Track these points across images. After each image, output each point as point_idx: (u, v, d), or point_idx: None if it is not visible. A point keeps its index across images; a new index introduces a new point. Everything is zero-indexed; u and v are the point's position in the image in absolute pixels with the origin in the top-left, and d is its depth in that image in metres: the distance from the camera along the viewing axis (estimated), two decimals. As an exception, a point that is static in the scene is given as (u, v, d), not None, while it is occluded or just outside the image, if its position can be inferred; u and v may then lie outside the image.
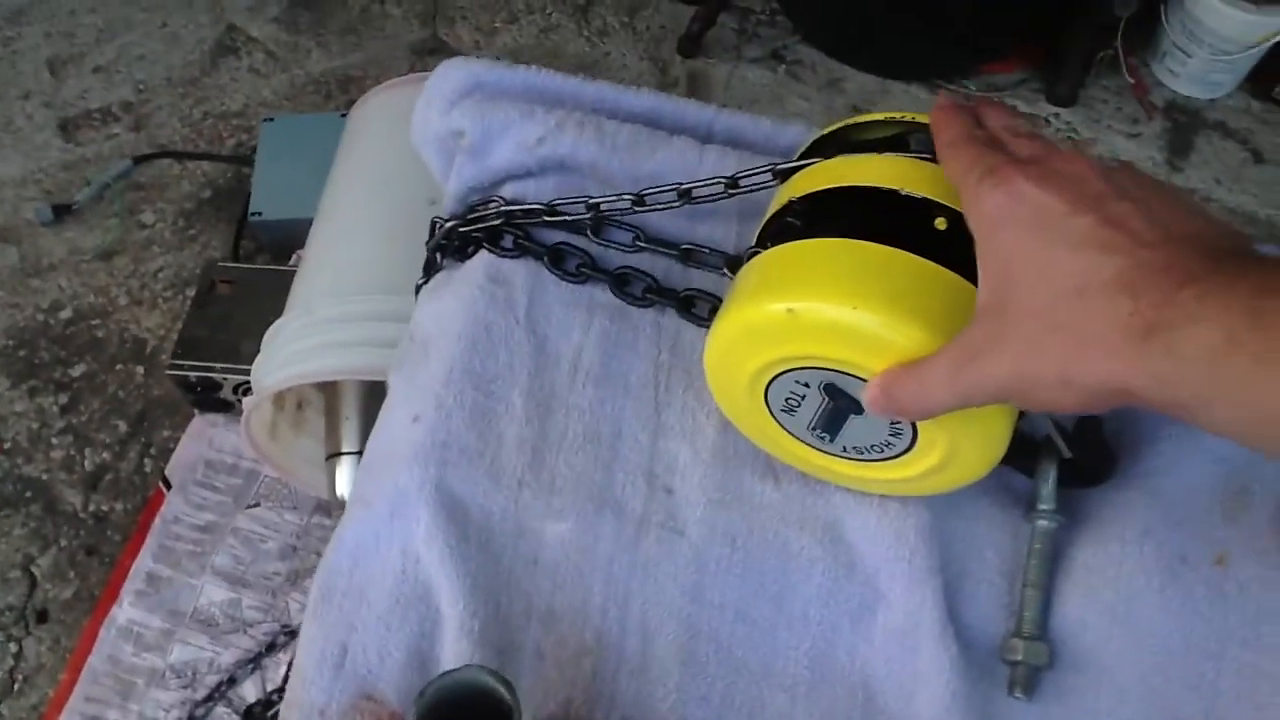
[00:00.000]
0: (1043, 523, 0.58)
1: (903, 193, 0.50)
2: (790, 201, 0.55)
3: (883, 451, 0.55)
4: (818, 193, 0.53)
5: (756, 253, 0.54)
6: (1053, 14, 1.74)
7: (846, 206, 0.52)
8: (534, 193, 0.66)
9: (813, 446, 0.57)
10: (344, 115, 1.28)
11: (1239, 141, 1.78)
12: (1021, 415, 0.53)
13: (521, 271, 0.64)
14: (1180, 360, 0.39)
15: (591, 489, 0.60)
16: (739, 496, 0.60)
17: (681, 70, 1.82)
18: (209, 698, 1.15)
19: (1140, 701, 0.57)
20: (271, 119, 1.57)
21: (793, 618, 0.59)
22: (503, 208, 0.65)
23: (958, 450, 0.52)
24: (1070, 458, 0.57)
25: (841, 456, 0.57)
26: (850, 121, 0.56)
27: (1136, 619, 0.58)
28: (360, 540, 0.59)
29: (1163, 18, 1.77)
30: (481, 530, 0.59)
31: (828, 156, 0.55)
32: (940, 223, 0.49)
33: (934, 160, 0.50)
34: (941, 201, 0.50)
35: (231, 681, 1.16)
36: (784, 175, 0.58)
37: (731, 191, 0.61)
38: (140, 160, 1.67)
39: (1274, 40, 1.67)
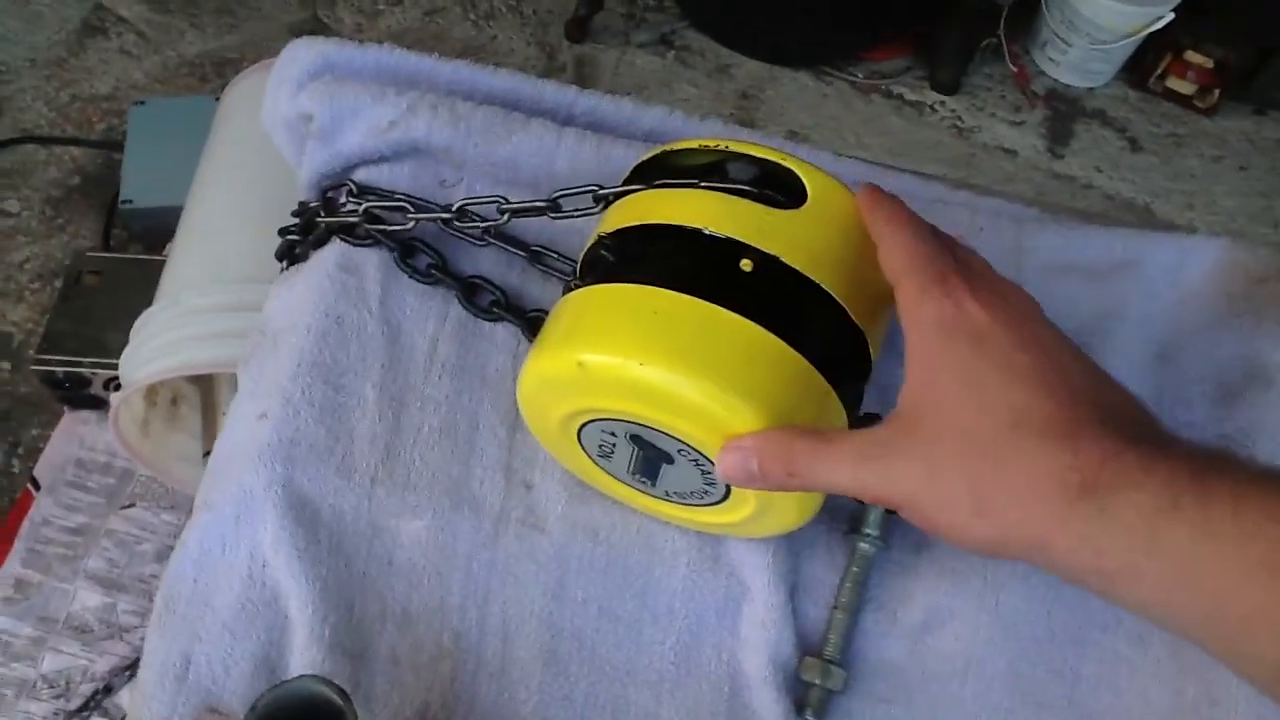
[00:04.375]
0: (864, 545, 0.58)
1: (707, 232, 0.49)
2: (601, 236, 0.54)
3: (702, 498, 0.54)
4: (627, 228, 0.52)
5: (572, 287, 0.53)
6: (935, 1, 1.77)
7: (653, 247, 0.51)
8: (388, 179, 0.64)
9: (636, 490, 0.56)
10: (218, 99, 1.24)
11: (1117, 130, 1.82)
12: None
13: (374, 260, 0.62)
14: (1115, 524, 0.37)
15: (448, 484, 0.58)
16: (601, 492, 0.59)
17: (569, 55, 1.80)
18: (84, 707, 1.09)
19: (1006, 689, 0.57)
20: (142, 102, 1.51)
21: (658, 613, 0.58)
22: (375, 200, 0.62)
23: (770, 502, 0.51)
24: None
25: (665, 500, 0.56)
26: (669, 148, 0.55)
27: (1004, 607, 0.58)
28: (205, 546, 0.56)
29: (1043, 6, 1.81)
30: (333, 531, 0.57)
31: (648, 182, 0.54)
32: (746, 264, 0.48)
33: (747, 193, 0.50)
34: (746, 242, 0.49)
35: (108, 690, 1.11)
36: (604, 200, 0.56)
37: (553, 215, 0.59)
38: (2, 145, 1.60)
39: (1148, 30, 1.71)
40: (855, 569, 0.57)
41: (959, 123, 1.80)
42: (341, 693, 0.42)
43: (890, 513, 0.57)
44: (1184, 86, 1.81)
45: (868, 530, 0.57)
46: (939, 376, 0.42)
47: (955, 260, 0.45)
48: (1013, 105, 1.83)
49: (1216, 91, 1.80)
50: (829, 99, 1.81)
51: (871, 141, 1.75)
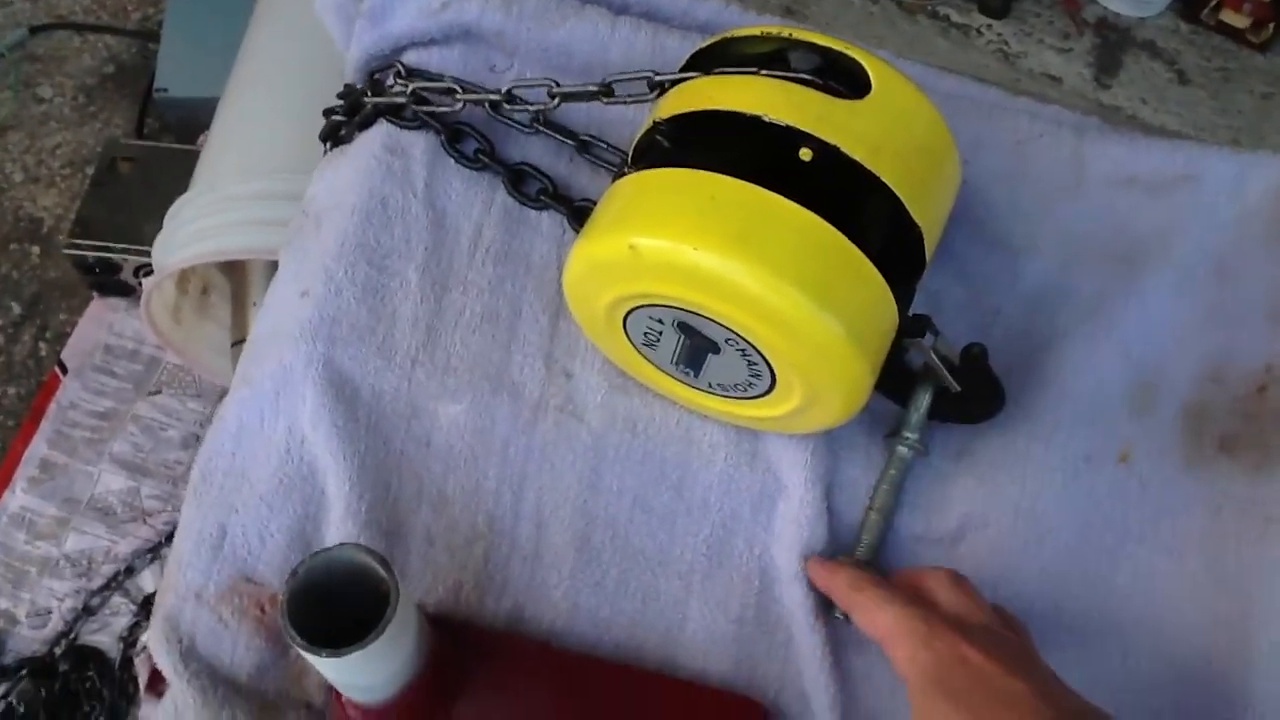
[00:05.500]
0: (902, 449, 0.57)
1: (766, 119, 0.48)
2: (656, 122, 0.52)
3: (746, 390, 0.53)
4: (684, 114, 0.51)
5: (624, 173, 0.52)
6: (990, -80, 1.71)
7: (710, 133, 0.50)
8: (437, 62, 0.63)
9: (678, 380, 0.56)
10: (257, -8, 1.22)
11: (1166, 62, 1.78)
12: (898, 349, 0.52)
13: (420, 143, 0.61)
14: None
15: (488, 370, 0.58)
16: (641, 383, 0.59)
17: (612, -40, 1.76)
18: (105, 587, 1.12)
19: (1038, 596, 0.57)
20: (180, -9, 1.49)
21: (692, 505, 0.58)
22: (427, 84, 0.61)
23: (817, 395, 0.51)
24: (958, 392, 0.55)
25: (707, 392, 0.55)
26: (730, 35, 0.54)
27: (1039, 515, 0.58)
28: (244, 420, 0.57)
29: (1099, -70, 1.75)
30: (371, 410, 0.57)
31: (706, 71, 0.52)
32: (805, 153, 0.47)
33: (809, 82, 0.49)
34: (806, 130, 0.48)
35: (129, 571, 1.13)
36: (660, 87, 0.55)
37: (606, 100, 0.57)
38: (37, 30, 1.58)
39: (1207, -42, 1.66)
40: (893, 472, 0.57)
41: (1005, 47, 1.76)
42: (384, 562, 0.42)
43: (932, 418, 0.57)
44: (1238, 20, 1.76)
45: (908, 434, 0.57)
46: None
47: (929, 597, 0.50)
48: (1061, 32, 1.78)
49: (1271, 26, 1.75)
50: (874, 17, 1.77)
51: (914, 62, 1.72)
